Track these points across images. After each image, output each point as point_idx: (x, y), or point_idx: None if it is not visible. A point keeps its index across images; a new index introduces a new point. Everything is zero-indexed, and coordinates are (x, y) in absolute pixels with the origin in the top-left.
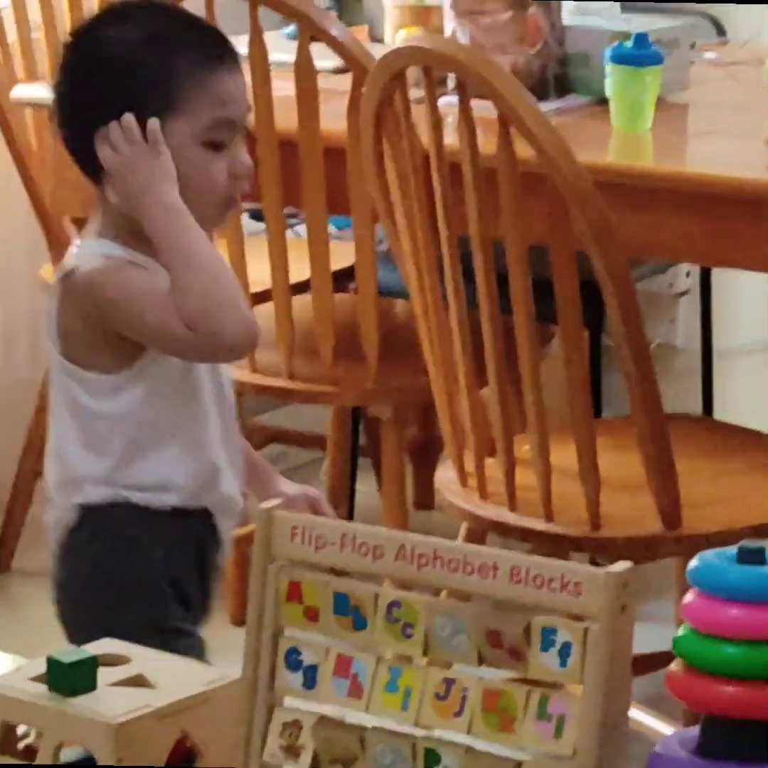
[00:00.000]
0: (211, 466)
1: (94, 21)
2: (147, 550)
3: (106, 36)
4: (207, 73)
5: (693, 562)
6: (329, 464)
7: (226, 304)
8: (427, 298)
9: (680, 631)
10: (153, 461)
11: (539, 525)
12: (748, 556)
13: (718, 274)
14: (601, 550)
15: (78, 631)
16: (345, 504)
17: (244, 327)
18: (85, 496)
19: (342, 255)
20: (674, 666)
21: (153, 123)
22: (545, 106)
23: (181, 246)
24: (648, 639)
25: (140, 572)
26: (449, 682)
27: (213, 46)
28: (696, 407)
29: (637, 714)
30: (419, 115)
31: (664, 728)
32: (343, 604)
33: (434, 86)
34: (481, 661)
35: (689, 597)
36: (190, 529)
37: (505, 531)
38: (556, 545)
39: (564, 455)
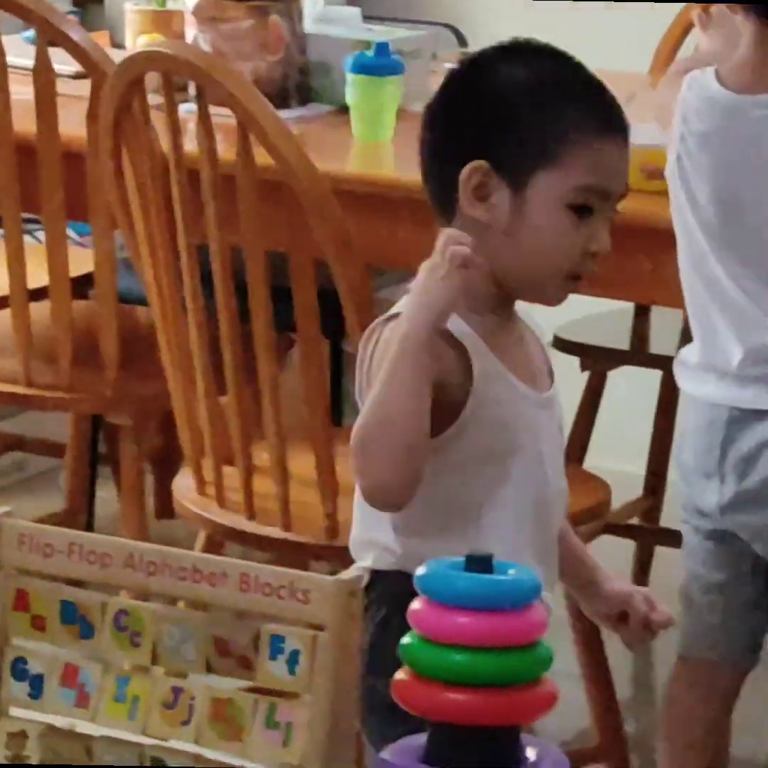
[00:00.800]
0: (507, 556)
1: (483, 54)
2: None
3: (496, 72)
4: (596, 134)
5: (420, 570)
6: (68, 472)
7: (375, 452)
8: (166, 306)
9: (407, 639)
10: (444, 540)
11: (277, 533)
12: (475, 564)
13: None
14: (339, 559)
15: None
16: (84, 512)
17: (380, 483)
18: (374, 561)
19: (82, 261)
20: (401, 673)
21: (462, 250)
22: (286, 114)
23: (386, 374)
24: None
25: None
26: (177, 691)
27: (608, 108)
28: None
29: None
30: (159, 121)
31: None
32: (70, 613)
33: (173, 92)
34: (210, 669)
35: (417, 604)
36: None
37: (243, 539)
38: (294, 554)
39: (303, 463)
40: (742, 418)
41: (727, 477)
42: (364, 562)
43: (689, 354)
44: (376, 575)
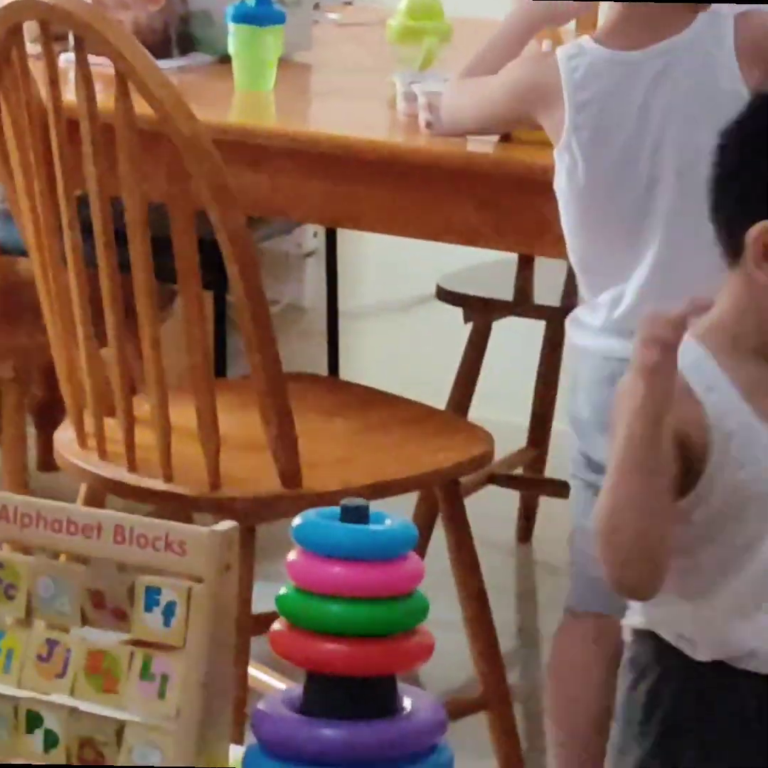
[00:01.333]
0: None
1: None
2: None
3: None
4: None
5: (297, 520)
6: None
7: (608, 552)
8: (45, 256)
9: (283, 590)
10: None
11: (158, 485)
12: (351, 514)
13: (344, 235)
14: (221, 510)
15: None
16: None
17: (616, 580)
18: (630, 620)
19: None
20: (278, 624)
21: (651, 358)
22: (167, 64)
23: (617, 460)
24: (268, 599)
25: None
26: (52, 644)
27: None
28: (323, 367)
29: (255, 673)
30: (38, 70)
31: (284, 687)
32: None
33: (52, 42)
34: (85, 621)
35: (293, 555)
36: None
37: (124, 491)
38: (176, 505)
39: (185, 415)
40: None
41: None
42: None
43: (584, 311)
44: (634, 634)
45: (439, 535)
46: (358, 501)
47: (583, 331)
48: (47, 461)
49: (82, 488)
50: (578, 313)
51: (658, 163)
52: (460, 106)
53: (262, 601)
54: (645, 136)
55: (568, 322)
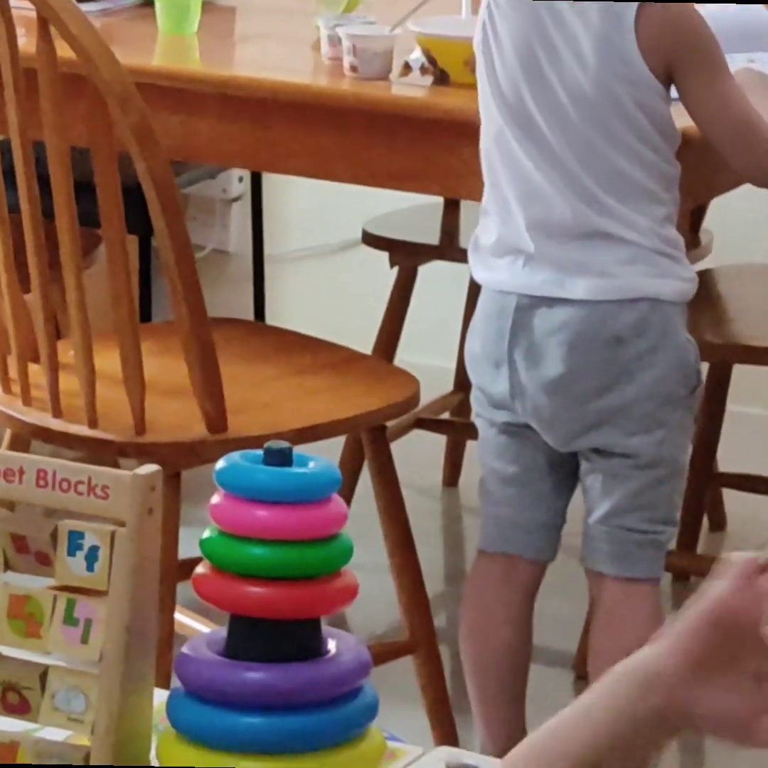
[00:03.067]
0: None
1: None
2: None
3: None
4: None
5: (220, 463)
6: None
7: None
8: None
9: (207, 533)
10: None
11: (84, 431)
12: (274, 457)
13: (269, 180)
14: (146, 456)
15: None
16: None
17: None
18: None
19: None
20: (201, 568)
21: None
22: (89, 7)
23: None
24: (194, 545)
25: None
26: None
27: None
28: (249, 313)
29: (182, 618)
30: None
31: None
32: None
33: None
34: (8, 566)
35: (216, 498)
36: None
37: (49, 437)
38: (101, 451)
39: (109, 361)
40: (531, 306)
41: (517, 365)
42: None
43: (483, 235)
44: None
45: (366, 481)
46: (281, 444)
47: (480, 263)
48: None
49: (7, 434)
50: (475, 239)
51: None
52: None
53: (188, 547)
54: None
55: (470, 250)
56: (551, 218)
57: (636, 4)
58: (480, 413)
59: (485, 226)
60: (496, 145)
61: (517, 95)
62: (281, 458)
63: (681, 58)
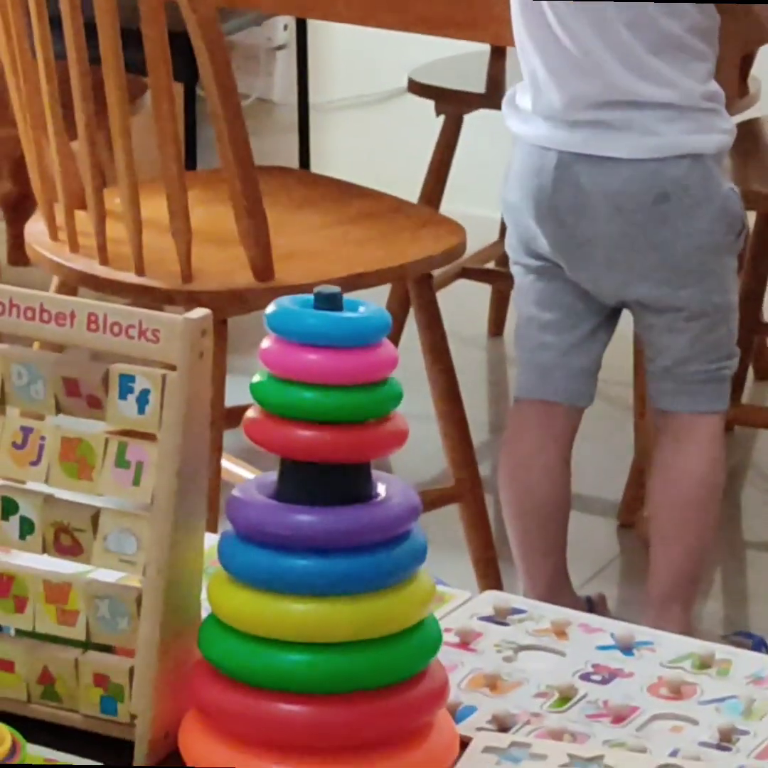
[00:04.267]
0: None
1: None
2: None
3: None
4: None
5: (270, 308)
6: None
7: None
8: (14, 47)
9: (257, 377)
10: None
11: (130, 278)
12: (324, 302)
13: (314, 28)
14: (193, 303)
15: None
16: None
17: None
18: None
19: None
20: (252, 412)
21: None
22: None
23: None
24: (241, 392)
25: None
26: (27, 431)
27: None
28: (294, 162)
29: (228, 465)
30: None
31: None
32: None
33: None
34: (59, 409)
35: (266, 343)
36: None
37: (96, 284)
38: (148, 298)
39: (156, 209)
40: (572, 162)
41: (560, 221)
42: None
43: (520, 95)
44: None
45: (411, 331)
46: (332, 288)
47: (516, 116)
48: (18, 255)
49: (54, 281)
50: (511, 95)
51: None
52: None
53: (234, 395)
54: None
55: (504, 104)
56: (593, 87)
57: None
58: (517, 260)
59: (522, 88)
60: (524, 10)
61: None
62: (331, 303)
63: None
